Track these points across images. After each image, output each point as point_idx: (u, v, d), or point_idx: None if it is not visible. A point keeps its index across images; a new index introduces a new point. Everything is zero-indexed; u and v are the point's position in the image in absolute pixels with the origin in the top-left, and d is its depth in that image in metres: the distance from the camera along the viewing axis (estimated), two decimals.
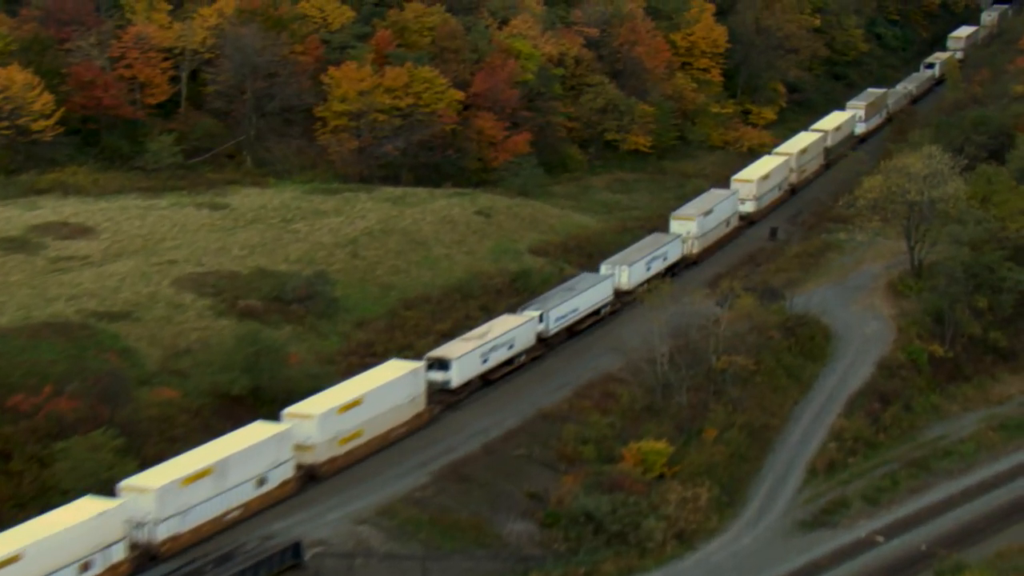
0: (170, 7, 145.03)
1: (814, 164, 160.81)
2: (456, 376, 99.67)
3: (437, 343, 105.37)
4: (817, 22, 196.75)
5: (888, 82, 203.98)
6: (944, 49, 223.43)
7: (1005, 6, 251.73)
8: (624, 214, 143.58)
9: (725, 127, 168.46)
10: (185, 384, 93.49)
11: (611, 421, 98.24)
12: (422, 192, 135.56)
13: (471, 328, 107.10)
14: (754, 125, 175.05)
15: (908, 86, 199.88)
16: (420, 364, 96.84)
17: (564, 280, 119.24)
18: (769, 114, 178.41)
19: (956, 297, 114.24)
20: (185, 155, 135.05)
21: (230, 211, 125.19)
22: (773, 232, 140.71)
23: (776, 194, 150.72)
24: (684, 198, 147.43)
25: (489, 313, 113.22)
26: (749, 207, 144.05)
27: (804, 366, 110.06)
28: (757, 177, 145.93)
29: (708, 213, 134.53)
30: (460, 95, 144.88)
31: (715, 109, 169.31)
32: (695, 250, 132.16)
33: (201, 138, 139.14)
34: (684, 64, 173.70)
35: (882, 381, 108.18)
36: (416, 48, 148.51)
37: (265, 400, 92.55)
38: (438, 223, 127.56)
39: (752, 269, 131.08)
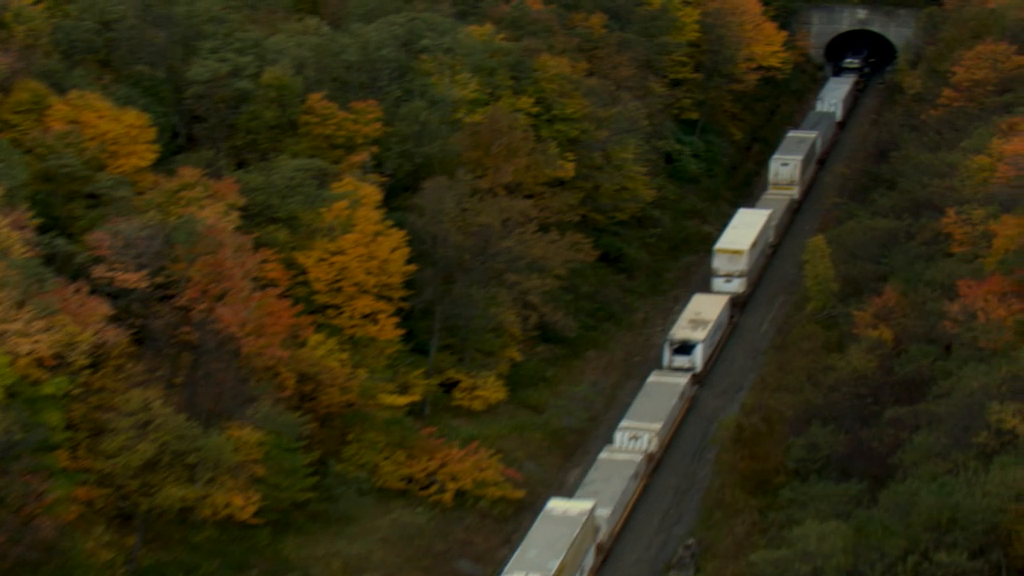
0: None
1: None
2: None
3: None
4: (569, 171, 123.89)
5: (691, 247, 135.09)
6: (710, 277, 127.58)
7: (835, 96, 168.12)
8: None
9: (406, 446, 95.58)
10: None
11: None
12: None
13: None
14: (462, 414, 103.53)
15: (610, 485, 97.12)
16: None
17: None
18: (492, 389, 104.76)
19: None
20: None
21: None
22: None
23: None
24: None
25: None
26: None
27: None
28: None
29: None
30: None
31: (388, 397, 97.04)
32: None
33: None
34: (323, 309, 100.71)
35: None
36: None
37: None
38: None
39: None
